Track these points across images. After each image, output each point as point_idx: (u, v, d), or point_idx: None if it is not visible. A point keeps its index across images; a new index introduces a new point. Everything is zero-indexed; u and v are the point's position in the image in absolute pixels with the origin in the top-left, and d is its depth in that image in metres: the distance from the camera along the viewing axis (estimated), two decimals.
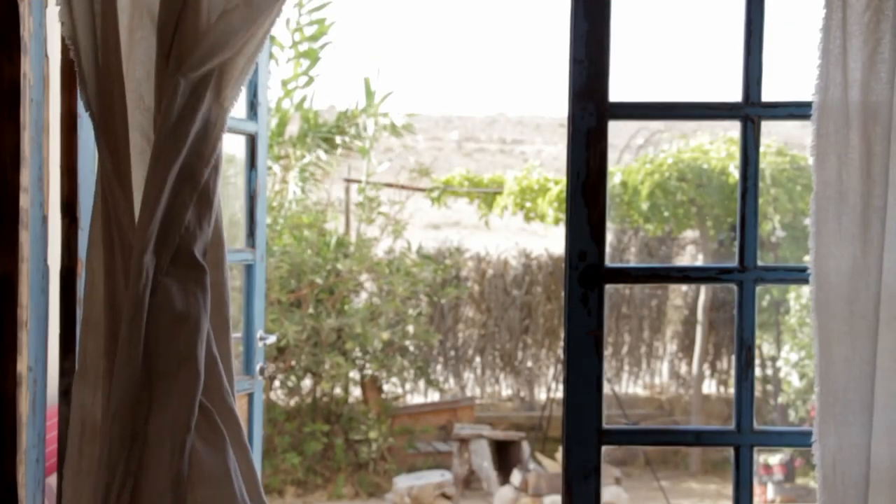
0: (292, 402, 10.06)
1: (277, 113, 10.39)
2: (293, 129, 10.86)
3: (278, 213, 10.09)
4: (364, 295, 10.53)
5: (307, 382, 10.11)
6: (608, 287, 2.48)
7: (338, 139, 10.64)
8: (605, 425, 2.45)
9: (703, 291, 11.25)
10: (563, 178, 8.21)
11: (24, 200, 2.40)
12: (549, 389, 10.38)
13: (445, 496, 9.06)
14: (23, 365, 2.41)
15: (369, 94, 10.72)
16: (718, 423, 11.39)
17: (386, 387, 10.71)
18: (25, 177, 2.38)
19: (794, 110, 2.42)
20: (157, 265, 2.34)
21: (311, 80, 10.44)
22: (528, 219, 11.53)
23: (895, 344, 2.26)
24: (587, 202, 2.44)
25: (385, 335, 9.77)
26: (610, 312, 11.93)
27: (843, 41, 2.29)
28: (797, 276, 2.45)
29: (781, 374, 10.72)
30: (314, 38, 10.29)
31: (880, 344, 2.25)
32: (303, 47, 10.30)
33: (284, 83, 10.41)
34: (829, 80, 2.30)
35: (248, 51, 2.39)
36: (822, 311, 2.29)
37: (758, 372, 11.04)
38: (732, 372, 11.63)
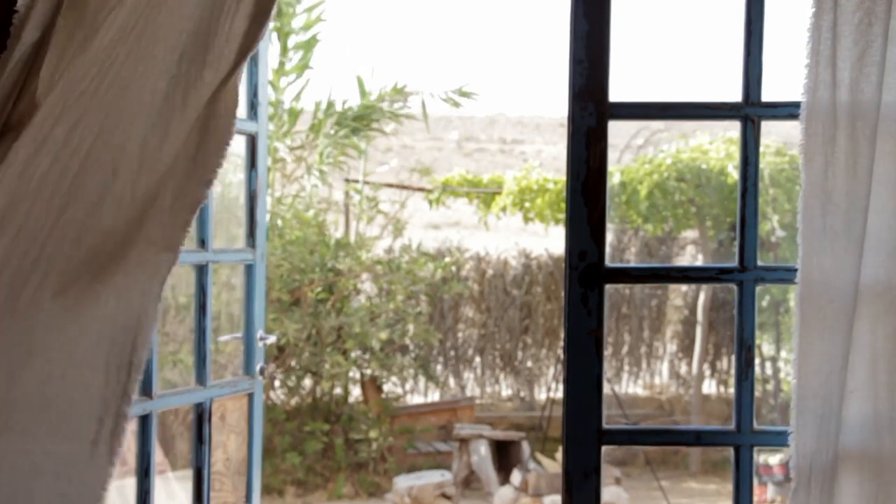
0: (292, 402, 10.06)
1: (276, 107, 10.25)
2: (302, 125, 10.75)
3: (287, 208, 10.02)
4: (364, 295, 10.53)
5: (307, 382, 10.11)
6: (608, 287, 2.48)
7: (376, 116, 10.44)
8: (605, 425, 2.45)
9: (703, 291, 11.25)
10: (563, 178, 8.20)
11: None
12: (549, 389, 10.38)
13: (445, 496, 9.06)
14: None
15: (364, 94, 10.61)
16: (718, 423, 11.39)
17: (386, 387, 10.71)
18: None
19: (794, 110, 2.42)
20: None
21: (305, 65, 10.16)
22: (526, 219, 11.52)
23: (865, 339, 2.30)
24: (587, 202, 2.45)
25: (384, 335, 9.76)
26: (610, 312, 11.93)
27: (833, 42, 2.29)
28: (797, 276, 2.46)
29: (781, 374, 10.72)
30: (306, 27, 10.15)
31: (853, 339, 2.28)
32: (291, 42, 10.17)
33: (276, 73, 10.22)
34: (819, 80, 2.31)
35: None
36: (806, 307, 2.31)
37: (758, 372, 11.05)
38: (732, 372, 11.63)
